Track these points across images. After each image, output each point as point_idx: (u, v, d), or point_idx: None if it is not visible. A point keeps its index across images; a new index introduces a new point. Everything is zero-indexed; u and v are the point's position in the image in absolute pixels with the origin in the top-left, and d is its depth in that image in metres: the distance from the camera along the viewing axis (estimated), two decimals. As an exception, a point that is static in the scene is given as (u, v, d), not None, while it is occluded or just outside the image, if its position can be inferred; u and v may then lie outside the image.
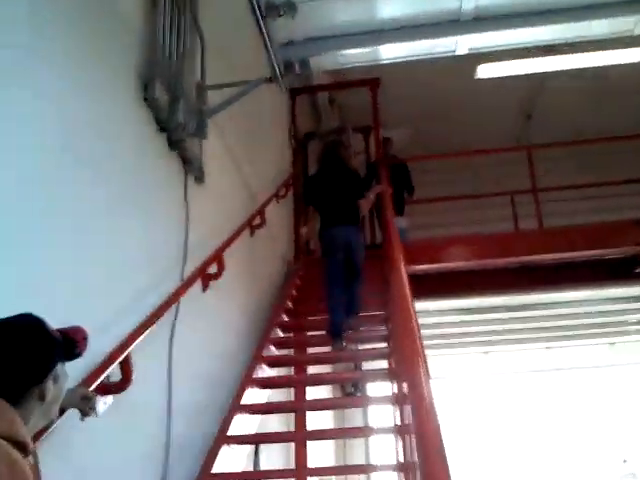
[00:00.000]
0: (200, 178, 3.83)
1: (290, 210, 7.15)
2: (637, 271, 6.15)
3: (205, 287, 3.68)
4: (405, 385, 2.45)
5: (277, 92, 6.63)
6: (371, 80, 7.38)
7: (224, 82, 3.91)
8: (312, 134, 8.33)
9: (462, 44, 6.26)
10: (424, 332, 3.93)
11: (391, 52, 6.53)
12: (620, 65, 7.71)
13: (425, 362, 1.90)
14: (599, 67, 7.83)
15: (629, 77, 8.37)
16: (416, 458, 2.32)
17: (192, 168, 3.71)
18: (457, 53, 6.39)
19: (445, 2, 5.97)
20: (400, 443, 3.15)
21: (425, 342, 3.87)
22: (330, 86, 8.15)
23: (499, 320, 8.81)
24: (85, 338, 1.44)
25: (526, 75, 8.37)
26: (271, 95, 6.10)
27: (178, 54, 3.40)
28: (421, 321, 4.20)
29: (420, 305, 4.97)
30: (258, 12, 3.51)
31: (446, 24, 6.14)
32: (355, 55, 6.52)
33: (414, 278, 3.58)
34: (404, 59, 6.63)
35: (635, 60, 7.47)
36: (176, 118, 3.32)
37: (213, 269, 3.81)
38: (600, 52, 7.39)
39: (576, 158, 8.61)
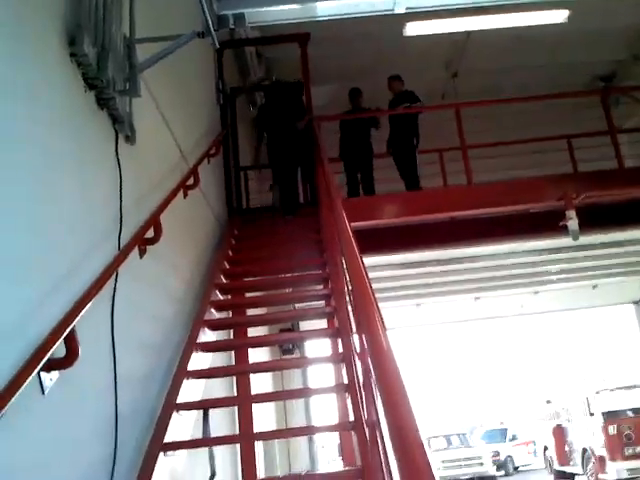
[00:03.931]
0: (131, 137, 3.62)
1: (221, 169, 6.96)
2: (560, 224, 6.39)
3: (142, 253, 3.54)
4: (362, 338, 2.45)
5: (204, 47, 6.34)
6: (300, 35, 7.17)
7: (153, 36, 3.68)
8: (239, 89, 8.08)
9: (400, 3, 6.14)
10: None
11: (328, 9, 6.32)
12: (543, 25, 7.87)
13: (380, 314, 1.88)
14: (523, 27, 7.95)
15: (550, 37, 8.57)
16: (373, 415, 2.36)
17: (122, 127, 3.49)
18: (395, 12, 6.26)
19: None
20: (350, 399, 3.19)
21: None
22: (258, 40, 7.86)
23: (430, 273, 9.07)
24: None
25: (452, 34, 8.43)
26: (198, 50, 5.82)
27: (106, 3, 3.14)
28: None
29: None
30: (192, -40, 3.28)
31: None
32: (291, 11, 6.27)
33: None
34: (341, 16, 6.46)
35: (558, 21, 7.63)
36: (105, 74, 3.10)
37: (150, 233, 3.65)
38: (526, 13, 7.51)
39: (501, 116, 8.80)
